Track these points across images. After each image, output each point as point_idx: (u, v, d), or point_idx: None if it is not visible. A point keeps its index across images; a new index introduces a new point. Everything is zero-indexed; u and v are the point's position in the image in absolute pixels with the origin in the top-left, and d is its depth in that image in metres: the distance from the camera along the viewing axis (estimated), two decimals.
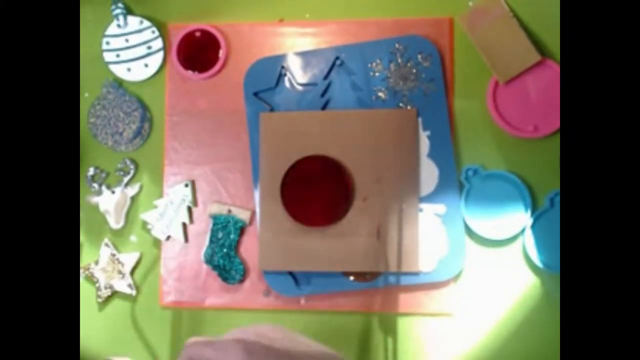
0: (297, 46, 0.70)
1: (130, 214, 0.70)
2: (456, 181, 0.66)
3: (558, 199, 0.64)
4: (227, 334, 0.47)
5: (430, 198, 0.66)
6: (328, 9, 0.70)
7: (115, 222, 0.70)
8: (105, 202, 0.70)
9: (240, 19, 0.71)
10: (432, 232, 0.65)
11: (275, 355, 0.44)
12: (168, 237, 0.69)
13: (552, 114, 0.65)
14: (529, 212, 0.64)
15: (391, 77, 0.67)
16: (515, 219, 0.65)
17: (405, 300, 0.65)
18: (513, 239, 0.65)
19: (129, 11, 0.72)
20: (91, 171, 0.71)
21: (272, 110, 0.68)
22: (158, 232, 0.69)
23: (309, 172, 0.66)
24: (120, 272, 0.69)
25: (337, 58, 0.68)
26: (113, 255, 0.69)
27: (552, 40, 0.66)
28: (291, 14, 0.70)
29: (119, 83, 0.71)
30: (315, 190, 0.66)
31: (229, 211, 0.68)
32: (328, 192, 0.66)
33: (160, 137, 0.71)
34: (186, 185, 0.69)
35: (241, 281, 0.68)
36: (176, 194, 0.69)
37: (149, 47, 0.71)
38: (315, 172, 0.66)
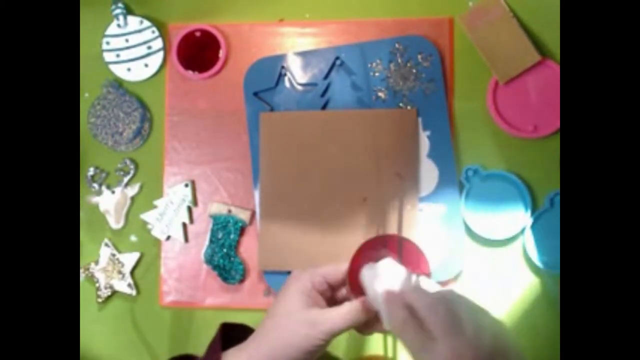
0: (297, 46, 0.70)
1: (130, 214, 0.70)
2: (456, 181, 0.66)
3: (558, 199, 0.64)
4: None
5: (430, 198, 0.66)
6: (328, 9, 0.70)
7: (115, 222, 0.70)
8: (105, 202, 0.70)
9: (240, 19, 0.71)
10: (432, 232, 0.65)
11: None
12: (168, 237, 0.69)
13: (552, 114, 0.65)
14: (529, 212, 0.64)
15: (391, 77, 0.67)
16: (515, 219, 0.65)
17: None
18: (513, 239, 0.65)
19: (129, 11, 0.72)
20: (91, 171, 0.71)
21: (272, 110, 0.68)
22: (158, 232, 0.69)
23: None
24: (120, 272, 0.69)
25: (337, 58, 0.68)
26: (113, 255, 0.69)
27: (552, 40, 0.66)
28: (291, 14, 0.71)
29: (119, 83, 0.71)
30: None
31: (229, 211, 0.68)
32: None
33: (160, 137, 0.71)
34: (186, 185, 0.69)
35: (241, 281, 0.68)
36: (176, 194, 0.69)
37: (149, 47, 0.71)
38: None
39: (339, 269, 0.53)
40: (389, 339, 0.66)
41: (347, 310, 0.50)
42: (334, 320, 0.50)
